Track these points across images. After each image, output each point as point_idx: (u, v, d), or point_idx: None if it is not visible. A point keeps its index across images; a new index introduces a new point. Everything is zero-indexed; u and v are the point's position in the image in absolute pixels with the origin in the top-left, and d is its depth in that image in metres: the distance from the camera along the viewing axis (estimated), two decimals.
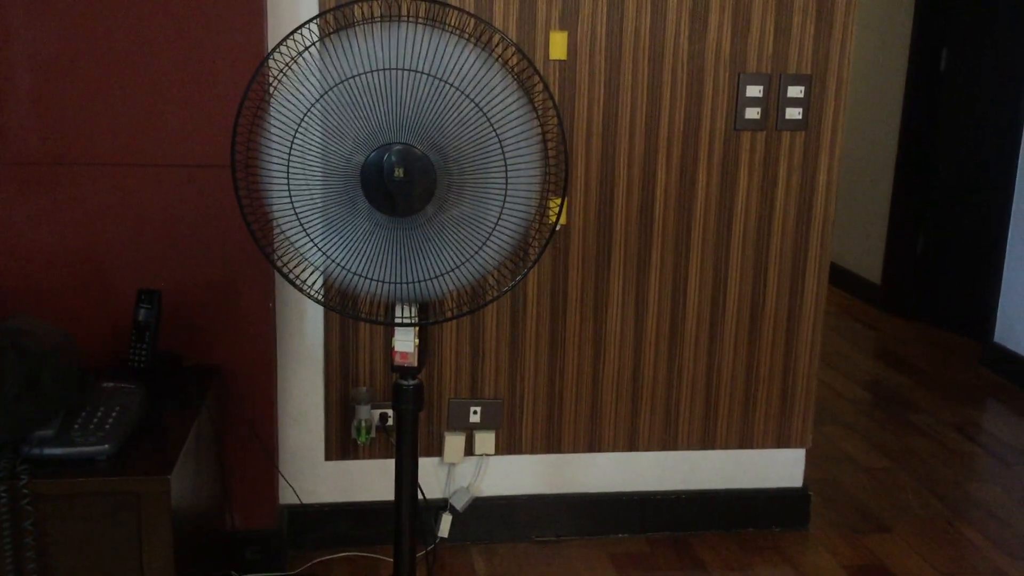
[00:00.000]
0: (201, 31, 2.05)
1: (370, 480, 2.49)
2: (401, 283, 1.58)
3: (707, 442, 2.60)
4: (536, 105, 1.55)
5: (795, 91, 2.40)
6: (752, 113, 2.40)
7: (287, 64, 1.56)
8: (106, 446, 1.68)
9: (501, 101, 1.51)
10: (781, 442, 2.63)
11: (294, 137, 1.53)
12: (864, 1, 4.88)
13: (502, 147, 1.51)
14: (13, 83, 2.01)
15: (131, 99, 2.06)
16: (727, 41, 2.37)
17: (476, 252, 1.56)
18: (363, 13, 1.60)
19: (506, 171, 1.53)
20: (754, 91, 2.39)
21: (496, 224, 1.55)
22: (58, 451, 1.66)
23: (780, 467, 2.66)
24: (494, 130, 1.51)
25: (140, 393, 1.85)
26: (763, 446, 2.62)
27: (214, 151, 2.09)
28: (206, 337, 2.18)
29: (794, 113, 2.42)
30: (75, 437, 1.68)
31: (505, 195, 1.54)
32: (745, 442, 2.61)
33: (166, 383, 2.00)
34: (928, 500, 2.90)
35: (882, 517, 2.78)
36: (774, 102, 2.41)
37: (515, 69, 1.57)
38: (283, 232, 1.59)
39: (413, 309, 1.67)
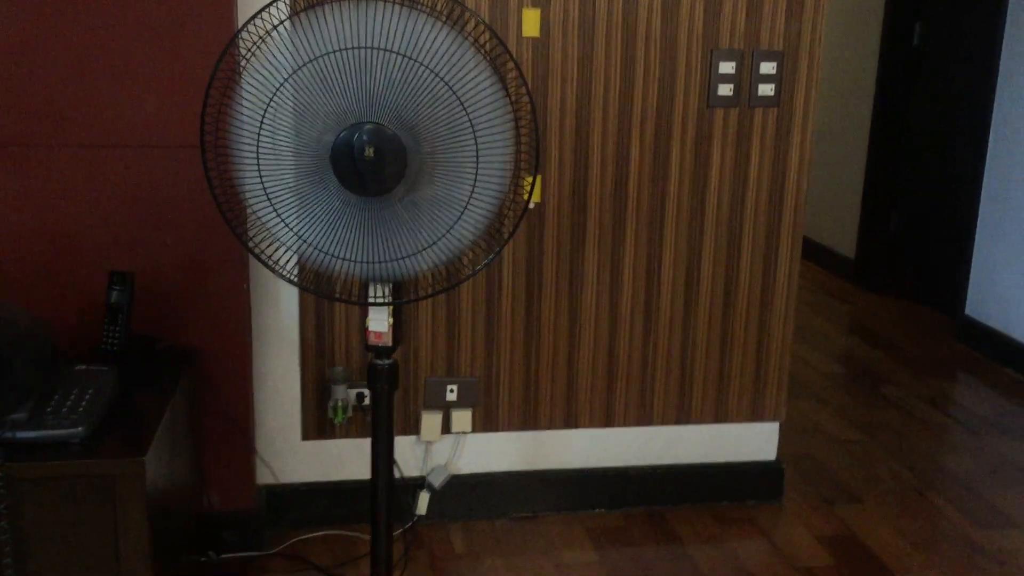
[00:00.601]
0: (171, 10, 2.02)
1: (347, 459, 2.49)
2: (374, 263, 1.58)
3: (682, 417, 2.62)
4: (507, 85, 1.55)
5: (767, 67, 2.41)
6: (725, 90, 2.41)
7: (256, 43, 1.55)
8: (80, 429, 1.67)
9: (472, 80, 1.51)
10: (755, 416, 2.66)
11: (263, 116, 1.52)
12: None
13: (473, 127, 1.51)
14: None
15: (101, 79, 2.03)
16: (699, 17, 2.37)
17: (448, 231, 1.56)
18: None
19: (477, 151, 1.52)
20: (727, 68, 2.40)
21: (467, 203, 1.55)
22: (31, 434, 1.65)
23: (754, 441, 2.69)
24: (465, 110, 1.50)
25: (113, 375, 1.84)
26: (737, 420, 2.65)
27: (185, 131, 2.07)
28: (180, 319, 2.17)
29: (767, 89, 2.43)
30: (48, 420, 1.67)
31: (476, 174, 1.54)
32: (720, 416, 2.64)
33: (140, 365, 1.99)
34: (899, 471, 2.94)
35: (854, 489, 2.83)
36: (747, 79, 2.41)
37: (487, 48, 1.56)
38: (255, 212, 1.58)
39: (387, 289, 1.67)
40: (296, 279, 1.67)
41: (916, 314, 4.53)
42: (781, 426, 2.71)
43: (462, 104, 1.50)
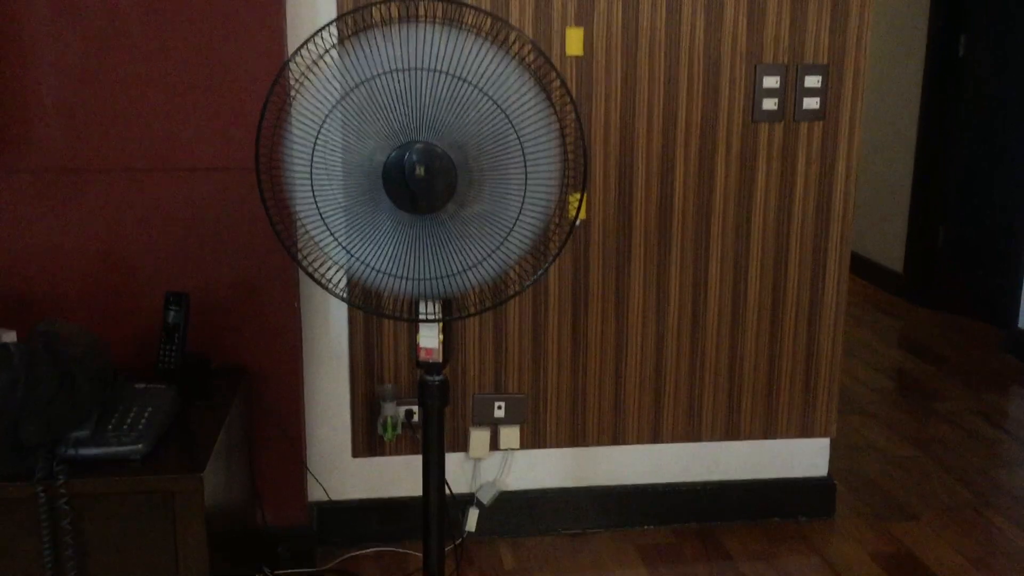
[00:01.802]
0: (222, 37, 2.08)
1: (397, 476, 2.51)
2: (424, 279, 1.61)
3: (731, 433, 2.60)
4: (554, 101, 1.57)
5: (812, 81, 2.41)
6: (769, 104, 2.41)
7: (308, 67, 1.58)
8: (140, 446, 1.71)
9: (519, 98, 1.53)
10: (805, 432, 2.63)
11: (316, 138, 1.56)
12: None
13: (521, 143, 1.53)
14: (39, 92, 2.05)
15: (155, 105, 2.09)
16: (743, 32, 2.37)
17: (497, 248, 1.58)
18: (382, 15, 1.63)
19: (525, 168, 1.54)
20: (771, 82, 2.40)
21: (516, 220, 1.57)
22: (93, 451, 1.69)
23: (805, 457, 2.66)
24: (513, 127, 1.52)
25: (171, 394, 1.88)
26: (787, 436, 2.63)
27: (238, 154, 2.12)
28: (234, 337, 2.21)
29: (811, 103, 2.42)
30: (109, 437, 1.71)
31: (525, 191, 1.55)
32: (769, 432, 2.62)
33: (196, 384, 2.03)
34: (954, 487, 2.89)
35: (909, 505, 2.78)
36: (791, 92, 2.41)
37: (532, 66, 1.59)
38: (307, 231, 1.62)
39: (437, 305, 1.69)
40: (347, 296, 1.70)
41: (966, 327, 4.46)
42: (832, 442, 2.68)
43: (509, 120, 1.53)
